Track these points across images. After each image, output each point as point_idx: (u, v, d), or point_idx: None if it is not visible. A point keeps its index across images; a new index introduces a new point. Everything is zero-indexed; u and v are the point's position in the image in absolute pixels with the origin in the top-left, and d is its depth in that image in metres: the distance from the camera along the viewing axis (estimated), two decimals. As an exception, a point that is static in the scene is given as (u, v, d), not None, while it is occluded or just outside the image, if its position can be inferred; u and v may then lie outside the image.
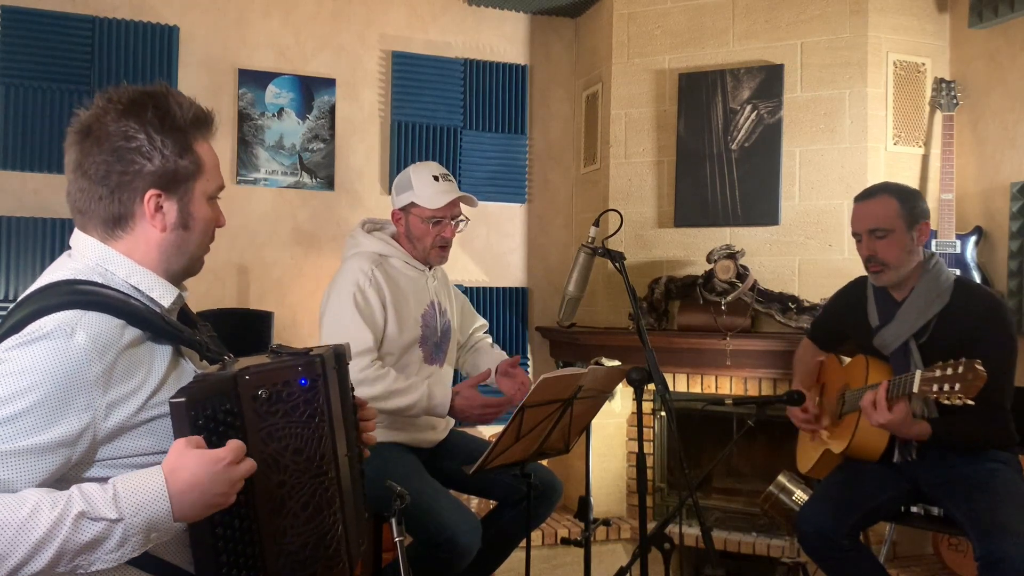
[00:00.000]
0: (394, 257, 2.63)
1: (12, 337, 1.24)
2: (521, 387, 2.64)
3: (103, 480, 1.26)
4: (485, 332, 3.00)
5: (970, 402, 2.08)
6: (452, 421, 2.79)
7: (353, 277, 2.52)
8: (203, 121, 1.44)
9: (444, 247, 2.66)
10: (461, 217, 2.67)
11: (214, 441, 1.28)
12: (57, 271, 1.38)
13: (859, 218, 2.50)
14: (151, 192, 1.37)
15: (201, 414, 1.27)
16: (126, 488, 1.20)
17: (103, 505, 1.18)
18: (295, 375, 1.39)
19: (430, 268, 2.71)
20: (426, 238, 2.62)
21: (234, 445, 1.26)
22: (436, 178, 2.60)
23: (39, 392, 1.20)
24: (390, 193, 2.73)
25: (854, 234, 2.52)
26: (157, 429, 1.31)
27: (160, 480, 1.21)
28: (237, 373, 1.34)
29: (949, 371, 2.10)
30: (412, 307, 2.61)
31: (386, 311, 2.53)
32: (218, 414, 1.30)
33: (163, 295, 1.40)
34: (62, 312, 1.25)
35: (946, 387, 2.09)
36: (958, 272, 3.29)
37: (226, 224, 1.53)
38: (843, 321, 2.71)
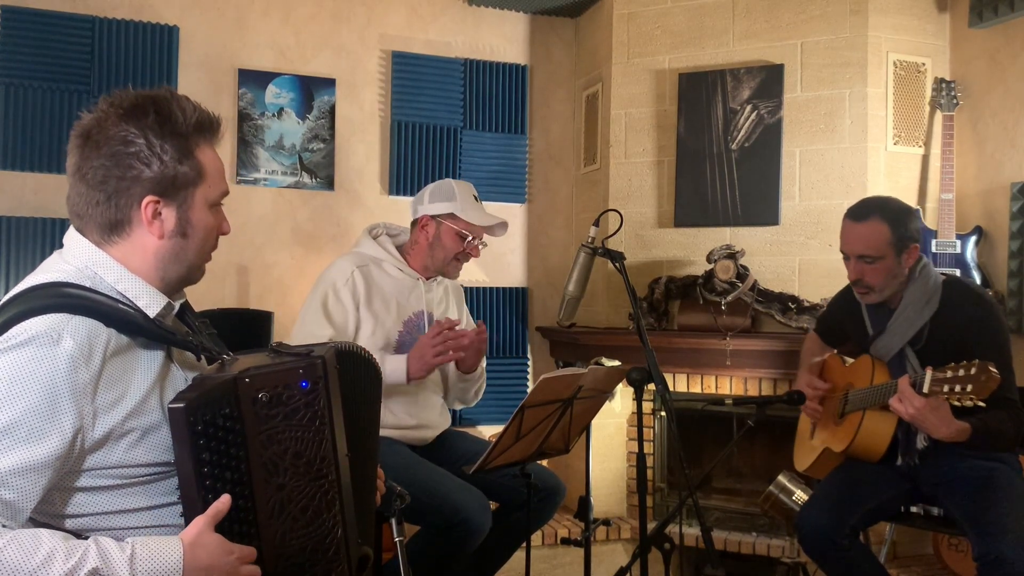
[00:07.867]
0: (386, 262, 2.68)
1: None
2: (471, 336, 2.62)
3: (94, 490, 1.26)
4: None
5: (981, 403, 2.07)
6: (447, 420, 2.79)
7: (331, 276, 2.61)
8: (207, 126, 1.40)
9: (463, 261, 2.74)
10: (485, 240, 2.79)
11: (213, 446, 1.27)
12: (45, 272, 1.34)
13: (849, 240, 2.45)
14: (149, 199, 1.34)
15: (200, 419, 1.25)
16: (144, 552, 1.19)
17: (119, 565, 1.16)
18: (296, 377, 1.36)
19: (428, 279, 2.74)
20: (452, 250, 2.69)
21: (248, 550, 1.28)
22: (476, 198, 2.74)
23: (26, 401, 1.17)
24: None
25: (842, 251, 2.48)
26: (149, 440, 1.29)
27: (179, 554, 1.21)
28: (237, 376, 1.32)
29: (961, 372, 2.07)
30: (393, 312, 2.64)
31: (359, 312, 2.59)
32: (217, 419, 1.28)
33: (149, 304, 1.36)
34: (48, 315, 1.22)
35: (958, 388, 2.07)
36: (952, 272, 3.30)
37: (231, 231, 1.52)
38: (843, 323, 2.71)
